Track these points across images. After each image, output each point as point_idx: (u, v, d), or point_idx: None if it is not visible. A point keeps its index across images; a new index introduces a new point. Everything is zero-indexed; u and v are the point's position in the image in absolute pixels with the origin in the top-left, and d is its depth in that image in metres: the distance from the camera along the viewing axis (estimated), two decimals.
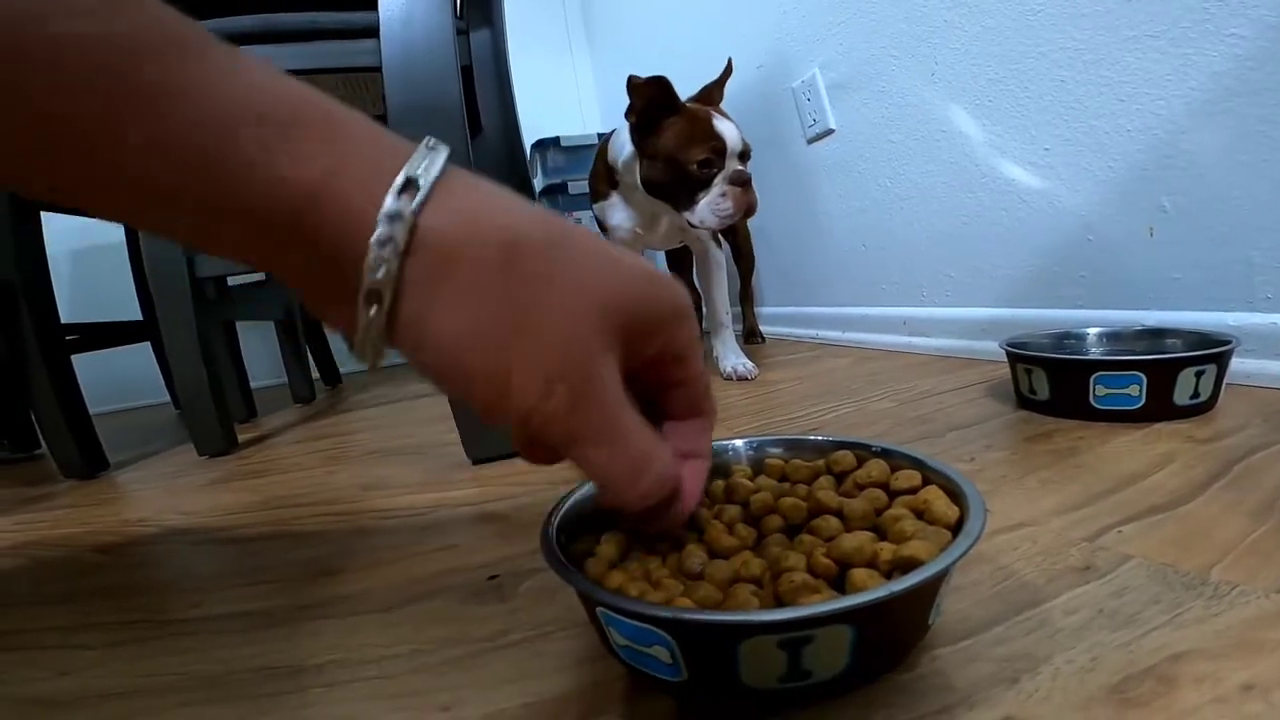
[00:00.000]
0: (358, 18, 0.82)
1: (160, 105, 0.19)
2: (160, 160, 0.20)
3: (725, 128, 0.89)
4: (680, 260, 1.40)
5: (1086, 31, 0.74)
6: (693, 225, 0.93)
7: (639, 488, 0.24)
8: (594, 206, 1.10)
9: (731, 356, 1.03)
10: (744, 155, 0.91)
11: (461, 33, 0.94)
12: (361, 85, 1.01)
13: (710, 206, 0.88)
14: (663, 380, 0.28)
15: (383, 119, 0.77)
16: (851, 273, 1.23)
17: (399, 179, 0.21)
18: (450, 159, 0.22)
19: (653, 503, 0.25)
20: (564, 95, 2.45)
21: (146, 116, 0.19)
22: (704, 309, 1.11)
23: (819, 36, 1.18)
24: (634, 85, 0.89)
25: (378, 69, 0.77)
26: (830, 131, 1.20)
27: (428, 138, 0.23)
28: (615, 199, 1.05)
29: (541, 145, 2.01)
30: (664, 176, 0.92)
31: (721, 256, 1.10)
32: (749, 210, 0.89)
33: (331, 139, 0.21)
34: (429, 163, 0.22)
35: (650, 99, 0.90)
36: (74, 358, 0.99)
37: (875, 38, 1.05)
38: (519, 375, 0.21)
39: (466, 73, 0.98)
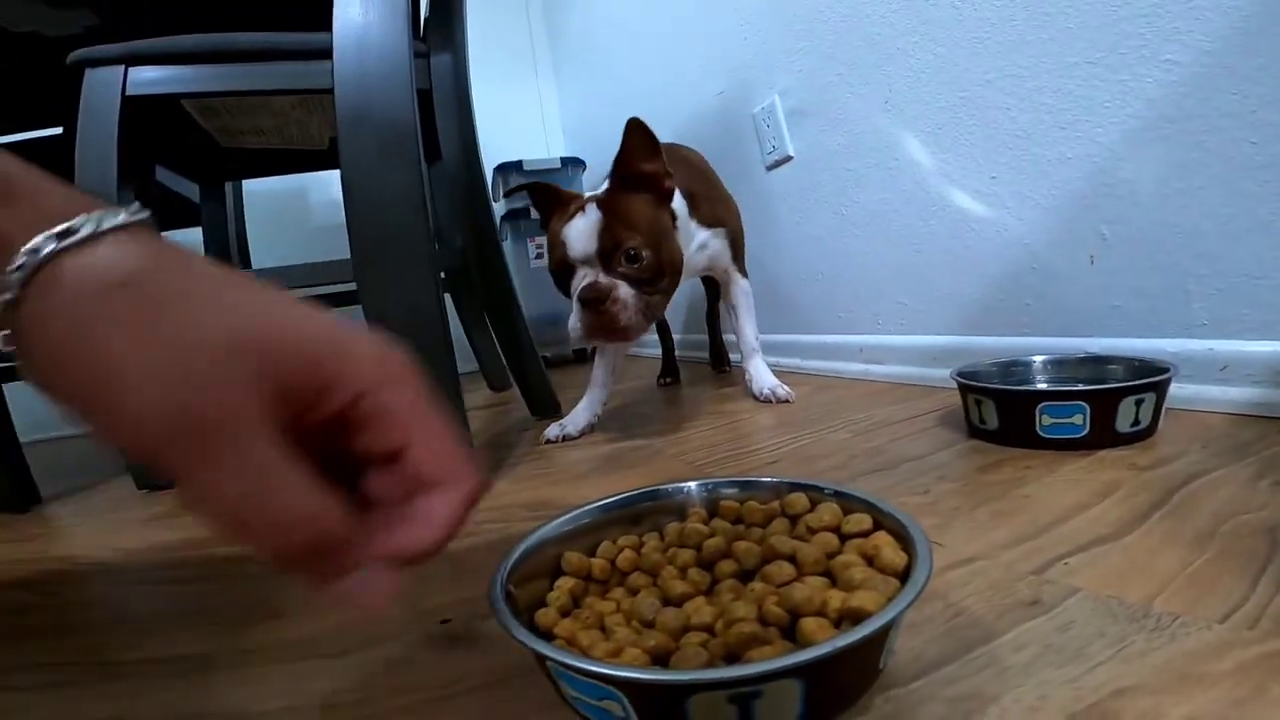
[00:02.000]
0: (314, 38, 0.81)
1: None
2: None
3: (571, 230, 0.78)
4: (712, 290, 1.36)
5: (1030, 59, 0.77)
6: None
7: (273, 533, 0.21)
8: None
9: (765, 380, 0.99)
10: (606, 256, 0.76)
11: (421, 56, 0.94)
12: (317, 106, 1.00)
13: (570, 322, 0.78)
14: (367, 450, 0.24)
15: (335, 141, 0.76)
16: (810, 300, 1.25)
17: (60, 226, 0.21)
18: (141, 224, 0.23)
19: (297, 553, 0.22)
20: (528, 118, 2.46)
21: None
22: (736, 337, 1.07)
23: (778, 63, 1.20)
24: (525, 190, 0.88)
25: (332, 91, 0.76)
26: (789, 158, 1.22)
27: (134, 205, 0.23)
28: None
29: (504, 169, 2.00)
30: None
31: (747, 285, 1.04)
32: (603, 332, 0.76)
33: (29, 196, 0.22)
34: (101, 219, 0.22)
35: (539, 201, 0.87)
36: (7, 385, 0.94)
37: (832, 65, 1.08)
38: (128, 371, 0.20)
39: (425, 96, 0.98)
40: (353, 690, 0.33)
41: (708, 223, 0.94)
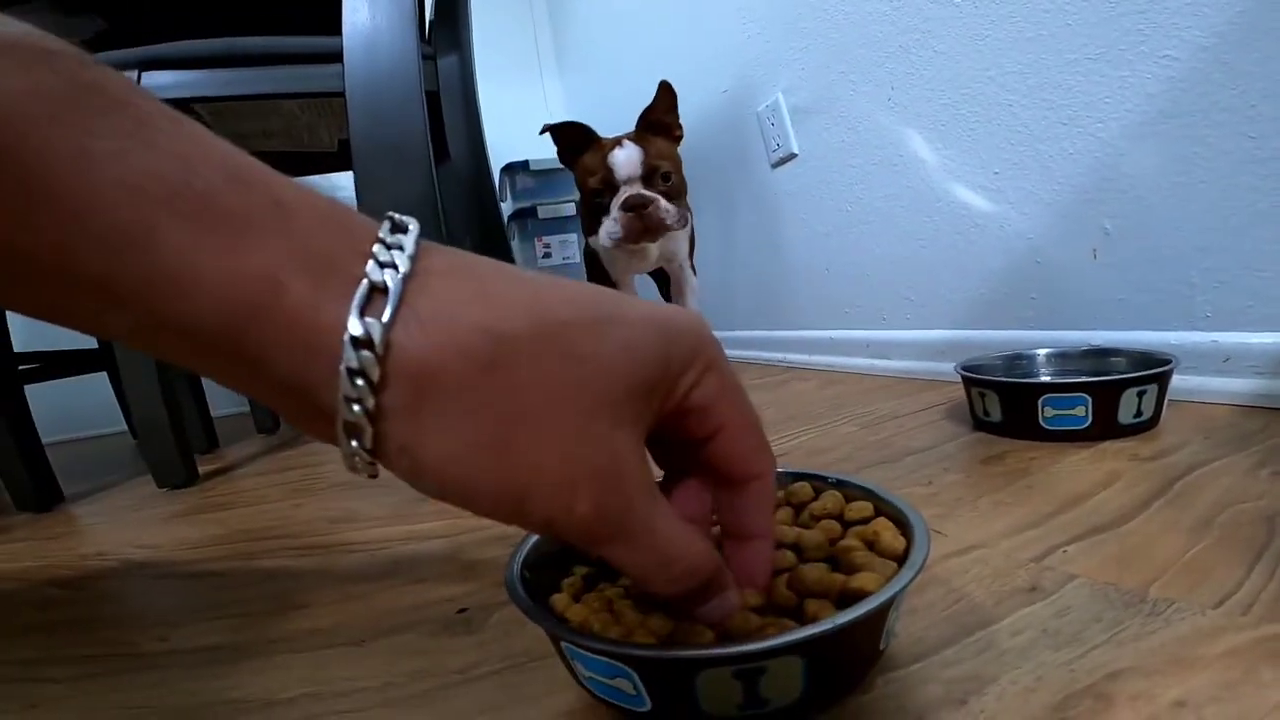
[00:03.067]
0: (322, 42, 0.82)
1: (51, 181, 0.16)
2: (74, 243, 0.17)
3: (618, 156, 0.96)
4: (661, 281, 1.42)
5: (1030, 55, 0.78)
6: (604, 246, 1.01)
7: (666, 583, 0.23)
8: (589, 239, 1.15)
9: None
10: (648, 178, 0.96)
11: (428, 58, 0.95)
12: (326, 110, 1.01)
13: (605, 230, 0.96)
14: (686, 437, 0.24)
15: (348, 143, 0.78)
16: (817, 296, 1.25)
17: (362, 288, 0.18)
18: (419, 239, 0.20)
19: (684, 592, 0.24)
20: (534, 118, 2.45)
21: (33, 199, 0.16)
22: None
23: (782, 60, 1.21)
24: (551, 130, 1.03)
25: (341, 94, 0.78)
26: (793, 155, 1.23)
27: (390, 215, 0.20)
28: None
29: (511, 169, 2.02)
30: (582, 208, 1.03)
31: (696, 283, 1.17)
32: (646, 232, 0.95)
33: (273, 228, 0.18)
34: (395, 257, 0.19)
35: (568, 140, 1.03)
36: (28, 386, 0.97)
37: (835, 63, 1.09)
38: (533, 488, 0.19)
39: (434, 98, 0.99)
40: (373, 677, 0.34)
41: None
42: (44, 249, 0.17)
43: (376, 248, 0.19)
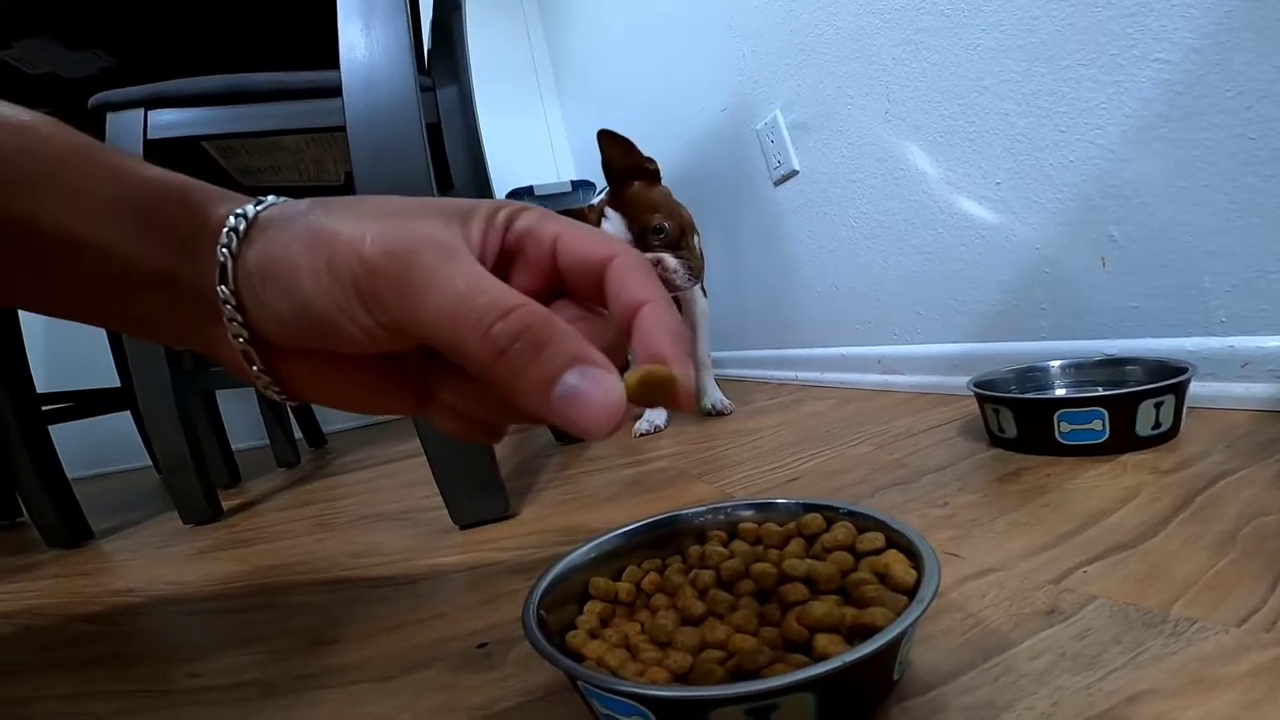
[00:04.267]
0: (325, 77, 0.84)
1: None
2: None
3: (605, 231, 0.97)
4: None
5: (1023, 63, 0.78)
6: None
7: (485, 343, 0.22)
8: None
9: (712, 393, 1.13)
10: (640, 239, 0.93)
11: (427, 89, 0.97)
12: (332, 144, 1.04)
13: None
14: (535, 265, 0.27)
15: (350, 175, 0.79)
16: (826, 313, 1.25)
17: (252, 204, 0.27)
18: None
19: (515, 355, 0.22)
20: (536, 144, 2.50)
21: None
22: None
23: (778, 78, 1.22)
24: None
25: (344, 128, 0.79)
26: (795, 173, 1.24)
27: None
28: None
29: (516, 195, 2.04)
30: None
31: (706, 305, 1.17)
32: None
33: (207, 203, 0.27)
34: (270, 199, 0.27)
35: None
36: (54, 425, 0.99)
37: (830, 78, 1.09)
38: (334, 249, 0.24)
39: (435, 129, 1.01)
40: (399, 712, 0.35)
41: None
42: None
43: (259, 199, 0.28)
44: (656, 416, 1.07)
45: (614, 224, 0.94)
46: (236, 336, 0.26)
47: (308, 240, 0.25)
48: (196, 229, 0.26)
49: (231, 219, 0.26)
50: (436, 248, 0.24)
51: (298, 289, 0.24)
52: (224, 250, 0.25)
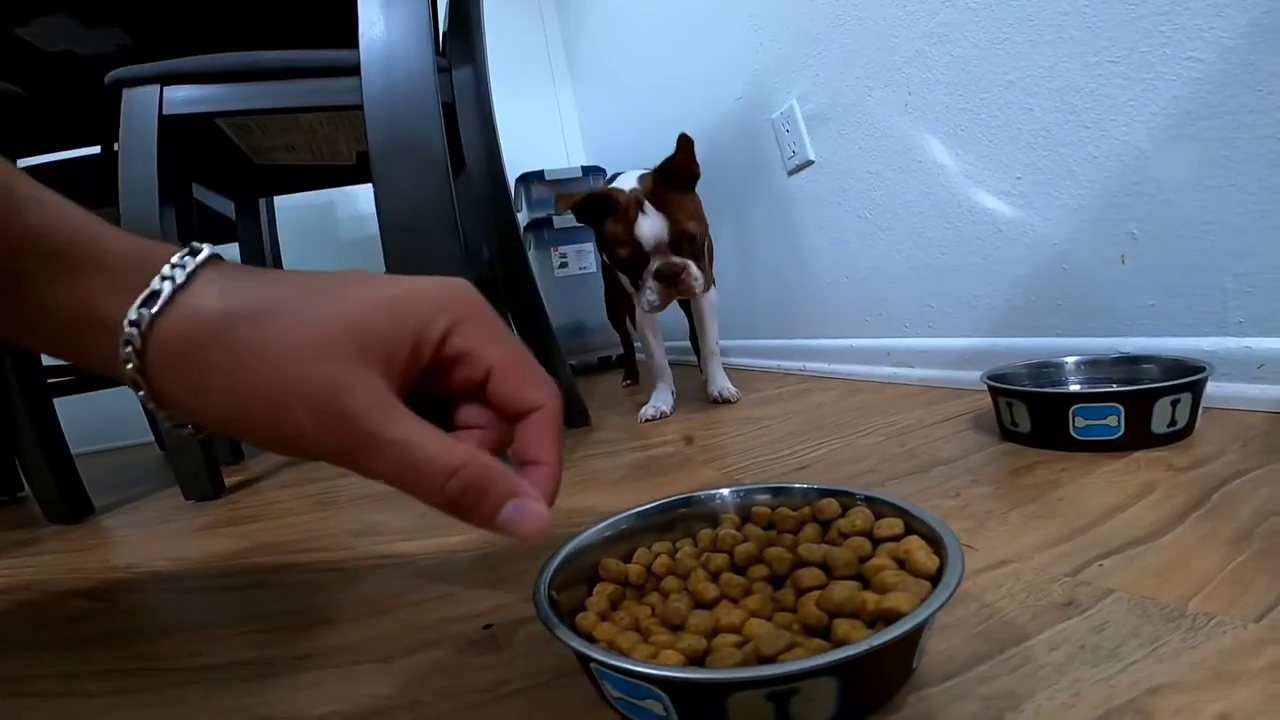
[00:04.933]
0: (340, 56, 0.83)
1: None
2: None
3: (644, 227, 0.95)
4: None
5: (1050, 59, 0.77)
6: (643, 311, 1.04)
7: (436, 492, 0.26)
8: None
9: (719, 382, 1.14)
10: (675, 244, 0.96)
11: (443, 70, 0.96)
12: (345, 123, 1.03)
13: (645, 299, 0.98)
14: (461, 383, 0.28)
15: (366, 155, 0.79)
16: (836, 305, 1.25)
17: (143, 294, 0.25)
18: (206, 261, 0.27)
19: (464, 499, 0.26)
20: (548, 129, 2.49)
21: None
22: (699, 340, 1.21)
23: (795, 67, 1.21)
24: (572, 209, 1.00)
25: (359, 107, 0.79)
26: (810, 163, 1.23)
27: (191, 244, 0.27)
28: None
29: (526, 179, 2.04)
30: (613, 266, 1.05)
31: (714, 296, 1.17)
32: (682, 295, 0.99)
33: (96, 267, 0.26)
34: (175, 273, 0.26)
35: (588, 213, 1.01)
36: (58, 399, 0.99)
37: (850, 68, 1.08)
38: (253, 412, 0.25)
39: (449, 110, 1.00)
40: (402, 694, 0.34)
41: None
42: None
43: (165, 268, 0.26)
44: (662, 403, 1.08)
45: (654, 220, 0.95)
46: (156, 410, 0.27)
47: (227, 388, 0.25)
48: (95, 325, 0.26)
49: (128, 328, 0.25)
50: (370, 405, 0.25)
51: (231, 429, 0.26)
52: (129, 368, 0.25)
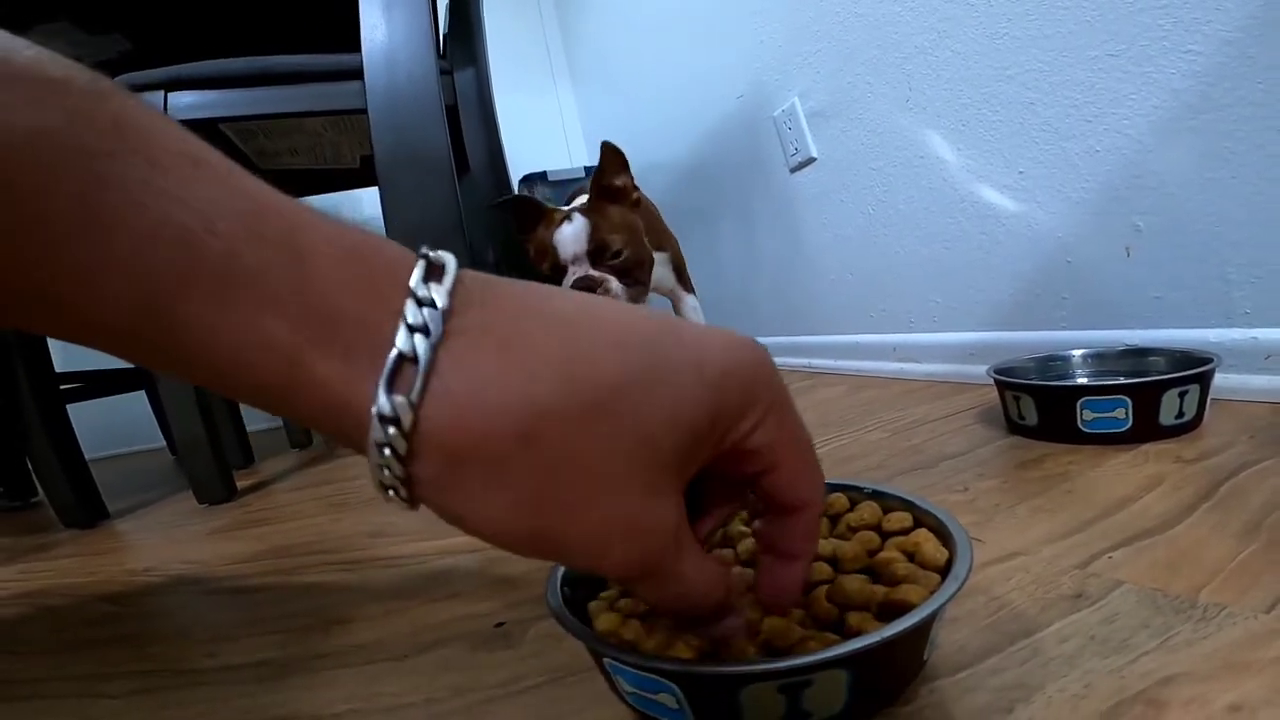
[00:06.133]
0: (345, 60, 0.84)
1: (89, 228, 0.16)
2: (94, 294, 0.17)
3: (564, 234, 0.94)
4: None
5: (1050, 53, 0.77)
6: None
7: (679, 612, 0.24)
8: None
9: None
10: (595, 256, 0.93)
11: (445, 73, 0.97)
12: (348, 127, 1.03)
13: None
14: (737, 474, 0.24)
15: (369, 159, 0.79)
16: (841, 301, 1.25)
17: (390, 360, 0.18)
18: (454, 285, 0.19)
19: (695, 615, 0.24)
20: (550, 129, 2.49)
21: (70, 239, 0.16)
22: None
23: (797, 65, 1.21)
24: (500, 206, 1.01)
25: (363, 111, 0.79)
26: (812, 160, 1.23)
27: (425, 253, 0.19)
28: None
29: (529, 180, 2.04)
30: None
31: (695, 302, 1.18)
32: None
33: (292, 288, 0.18)
34: (426, 317, 0.18)
35: (521, 217, 1.01)
36: (70, 405, 0.99)
37: (850, 65, 1.08)
38: (568, 542, 0.20)
39: (452, 112, 1.01)
40: (416, 691, 0.35)
41: (655, 245, 1.10)
42: (60, 295, 0.17)
43: (408, 306, 0.18)
44: None
45: (575, 228, 0.94)
46: (391, 493, 0.20)
47: (529, 513, 0.19)
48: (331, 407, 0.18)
49: (379, 430, 0.18)
50: (676, 549, 0.21)
51: (505, 545, 0.20)
52: (386, 473, 0.19)
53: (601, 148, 0.94)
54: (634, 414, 0.19)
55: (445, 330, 0.18)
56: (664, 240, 1.14)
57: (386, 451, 0.18)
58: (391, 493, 0.19)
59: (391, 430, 0.17)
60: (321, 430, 0.19)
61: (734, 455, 0.22)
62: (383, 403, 0.17)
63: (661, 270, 1.11)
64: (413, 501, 0.20)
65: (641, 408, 0.19)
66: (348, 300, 0.18)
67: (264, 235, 0.18)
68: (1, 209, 0.15)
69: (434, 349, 0.18)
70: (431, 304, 0.18)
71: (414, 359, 0.18)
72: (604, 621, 0.27)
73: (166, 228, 0.17)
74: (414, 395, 0.17)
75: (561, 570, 0.31)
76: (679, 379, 0.20)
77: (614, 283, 0.93)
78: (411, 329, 0.18)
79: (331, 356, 0.18)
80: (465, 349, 0.18)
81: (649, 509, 0.20)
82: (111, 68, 0.88)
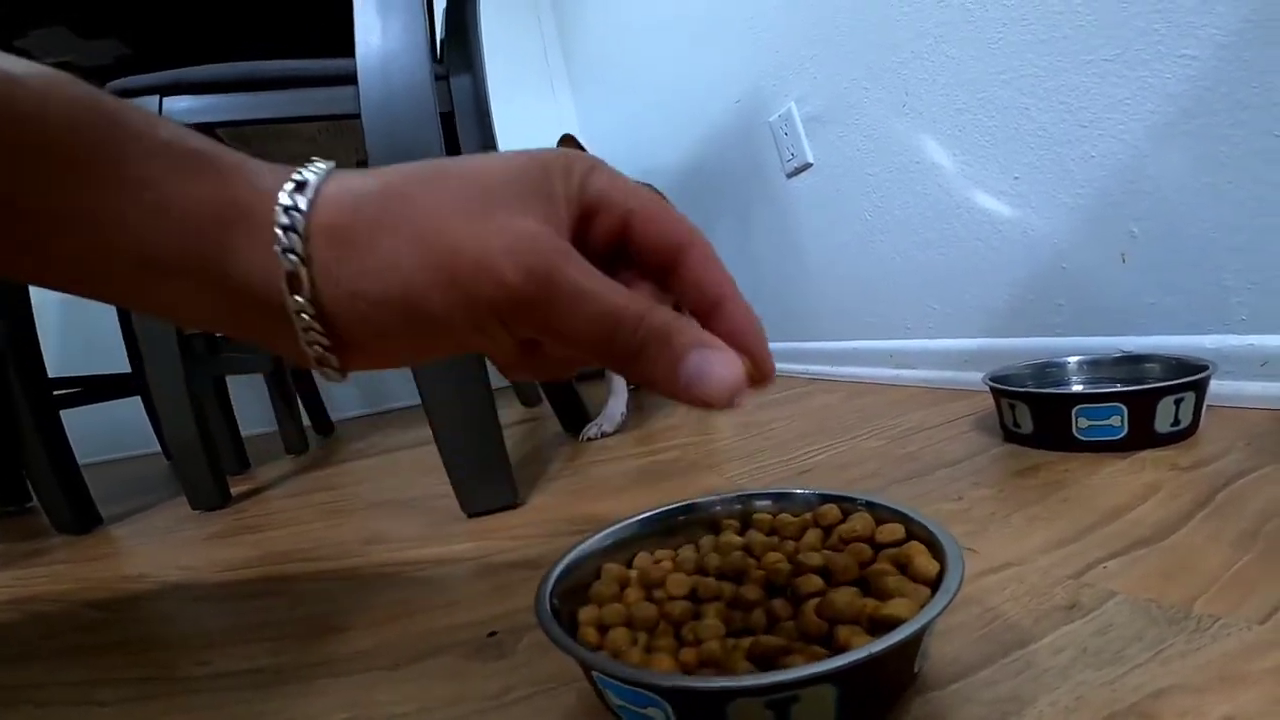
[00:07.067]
0: (339, 65, 0.84)
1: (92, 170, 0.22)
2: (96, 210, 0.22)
3: None
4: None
5: (1046, 58, 0.77)
6: None
7: (630, 347, 0.23)
8: None
9: None
10: None
11: (441, 79, 0.97)
12: (344, 132, 1.03)
13: None
14: (605, 235, 0.27)
15: (364, 164, 0.79)
16: (837, 307, 1.24)
17: (290, 182, 0.23)
18: (333, 167, 0.25)
19: (656, 351, 0.24)
20: (547, 136, 2.47)
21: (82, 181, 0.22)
22: None
23: (793, 70, 1.21)
24: None
25: (358, 116, 0.79)
26: (808, 165, 1.23)
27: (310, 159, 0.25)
28: None
29: None
30: None
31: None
32: None
33: (235, 168, 0.24)
34: (314, 170, 0.24)
35: None
36: (64, 410, 0.99)
37: (847, 70, 1.08)
38: (459, 271, 0.22)
39: (448, 118, 1.01)
40: (409, 701, 0.35)
41: None
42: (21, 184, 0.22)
43: (300, 169, 0.24)
44: (606, 422, 1.04)
45: None
46: (312, 344, 0.24)
47: (416, 247, 0.23)
48: (235, 213, 0.23)
49: (283, 215, 0.23)
50: (564, 256, 0.23)
51: (413, 304, 0.23)
52: (291, 236, 0.22)
53: (560, 141, 0.95)
54: (473, 167, 0.24)
55: (327, 172, 0.24)
56: None
57: (292, 235, 0.22)
58: (299, 298, 0.23)
59: (293, 213, 0.23)
60: (240, 270, 0.23)
61: (588, 215, 0.26)
62: (284, 197, 0.23)
63: None
64: (319, 298, 0.23)
65: (477, 164, 0.25)
66: (265, 173, 0.24)
67: (204, 143, 0.24)
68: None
69: (320, 177, 0.24)
70: (319, 168, 0.24)
71: (306, 183, 0.23)
72: (584, 614, 0.27)
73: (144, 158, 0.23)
74: (307, 194, 0.23)
75: (551, 582, 0.31)
76: (501, 155, 0.26)
77: None
78: (304, 172, 0.24)
79: (255, 194, 0.23)
80: (339, 176, 0.24)
81: (521, 223, 0.23)
82: (107, 73, 0.89)
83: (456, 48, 1.05)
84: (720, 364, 0.23)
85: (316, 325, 0.23)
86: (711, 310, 0.26)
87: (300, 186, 0.23)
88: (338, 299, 0.23)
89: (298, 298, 0.23)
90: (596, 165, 0.26)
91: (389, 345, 0.25)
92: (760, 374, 0.25)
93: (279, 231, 0.22)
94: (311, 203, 0.23)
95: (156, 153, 0.23)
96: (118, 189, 0.22)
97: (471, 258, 0.22)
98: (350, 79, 0.79)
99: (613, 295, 0.23)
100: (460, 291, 0.22)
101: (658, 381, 0.24)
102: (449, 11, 1.07)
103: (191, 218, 0.23)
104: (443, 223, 0.23)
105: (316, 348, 0.24)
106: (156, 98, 0.84)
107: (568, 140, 0.92)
